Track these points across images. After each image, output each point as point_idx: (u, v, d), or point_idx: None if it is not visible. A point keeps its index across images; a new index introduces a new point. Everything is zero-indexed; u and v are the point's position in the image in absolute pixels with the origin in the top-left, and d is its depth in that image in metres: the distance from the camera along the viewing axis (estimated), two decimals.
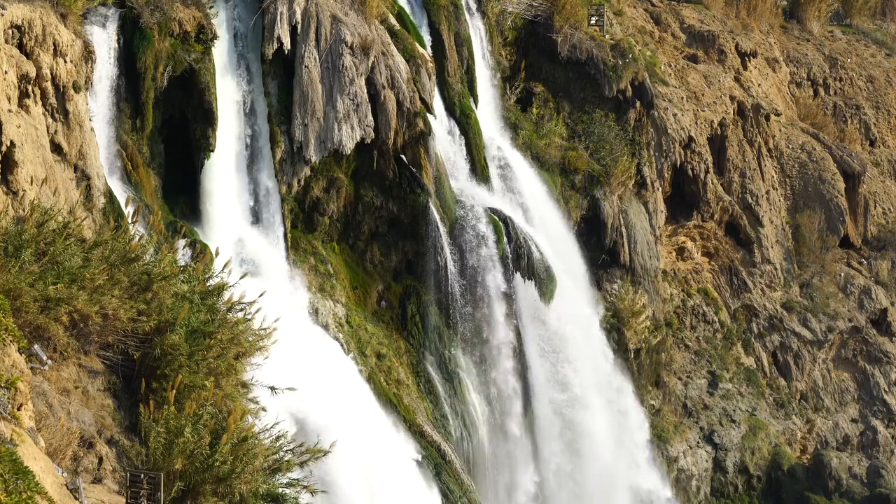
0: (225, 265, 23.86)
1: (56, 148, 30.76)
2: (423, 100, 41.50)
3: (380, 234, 42.06)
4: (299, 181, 39.40)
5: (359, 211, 41.45)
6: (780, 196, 59.70)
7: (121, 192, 33.46)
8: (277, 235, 38.84)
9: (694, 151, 54.53)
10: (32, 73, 29.66)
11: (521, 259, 43.28)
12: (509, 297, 43.05)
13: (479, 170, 44.99)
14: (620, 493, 47.38)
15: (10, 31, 29.38)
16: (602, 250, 49.35)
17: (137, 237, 22.83)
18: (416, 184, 41.24)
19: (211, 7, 37.64)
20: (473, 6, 48.44)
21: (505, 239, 42.95)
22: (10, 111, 27.93)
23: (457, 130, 44.86)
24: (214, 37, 37.24)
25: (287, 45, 38.73)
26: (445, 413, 41.36)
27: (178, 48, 36.14)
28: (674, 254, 55.62)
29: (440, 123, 43.51)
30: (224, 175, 37.74)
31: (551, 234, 46.23)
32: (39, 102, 30.23)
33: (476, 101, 46.22)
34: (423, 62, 42.08)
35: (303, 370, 33.11)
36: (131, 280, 21.41)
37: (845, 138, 64.44)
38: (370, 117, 39.76)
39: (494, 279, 42.63)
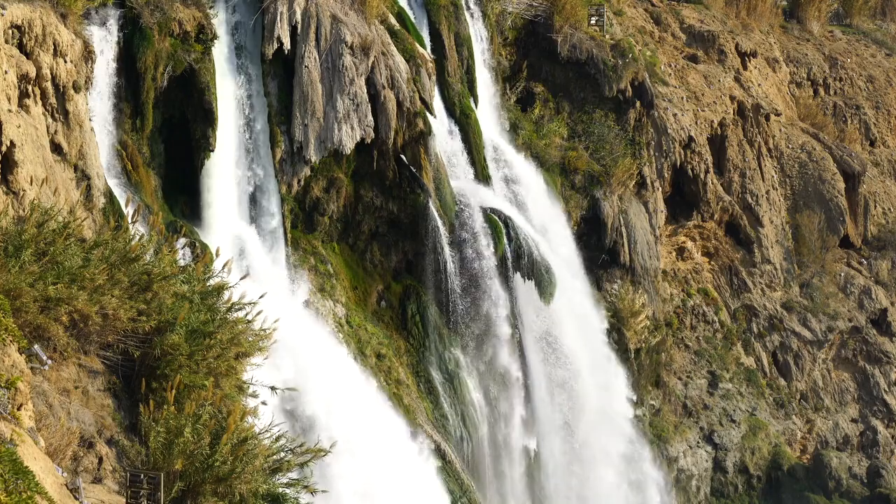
0: (225, 265, 23.85)
1: (56, 148, 30.75)
2: (423, 100, 41.49)
3: (380, 234, 42.06)
4: (299, 181, 39.39)
5: (359, 211, 41.45)
6: (780, 196, 59.71)
7: (121, 192, 33.44)
8: (277, 235, 38.83)
9: (694, 151, 54.55)
10: (32, 73, 29.65)
11: (521, 259, 43.29)
12: (509, 297, 43.04)
13: (479, 170, 44.99)
14: (619, 491, 47.36)
15: (10, 31, 29.37)
16: (602, 250, 49.38)
17: (137, 237, 22.80)
18: (416, 184, 41.24)
19: (211, 7, 37.63)
20: (473, 6, 48.45)
21: (505, 239, 42.95)
22: (10, 111, 27.93)
23: (457, 130, 44.86)
24: (214, 37, 37.23)
25: (287, 45, 38.73)
26: (445, 413, 41.35)
27: (178, 48, 36.13)
28: (674, 254, 55.63)
29: (440, 123, 43.50)
30: (224, 175, 37.74)
31: (551, 234, 46.25)
32: (39, 102, 30.22)
33: (476, 101, 46.22)
34: (423, 62, 42.08)
35: (302, 369, 33.14)
36: (131, 280, 21.38)
37: (845, 138, 64.47)
38: (370, 117, 39.76)
39: (494, 279, 42.63)
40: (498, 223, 43.05)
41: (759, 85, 61.40)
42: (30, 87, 29.75)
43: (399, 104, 40.47)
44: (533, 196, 46.82)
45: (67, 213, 22.37)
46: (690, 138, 54.26)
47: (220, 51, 38.00)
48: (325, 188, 40.50)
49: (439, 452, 39.43)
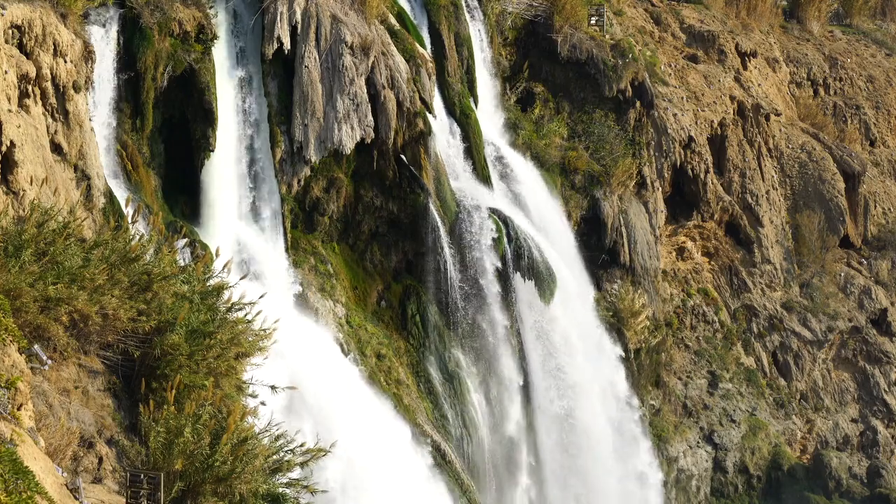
0: (225, 265, 23.84)
1: (56, 148, 30.76)
2: (423, 100, 41.50)
3: (380, 234, 42.06)
4: (299, 181, 39.40)
5: (359, 211, 41.45)
6: (780, 196, 59.71)
7: (121, 192, 33.45)
8: (277, 235, 38.84)
9: (694, 151, 54.54)
10: (32, 73, 29.66)
11: (521, 259, 43.28)
12: (509, 298, 43.04)
13: (479, 170, 44.99)
14: (618, 491, 47.33)
15: (10, 31, 29.37)
16: (602, 250, 49.36)
17: (137, 237, 22.79)
18: (416, 184, 41.24)
19: (211, 7, 37.64)
20: (473, 6, 48.44)
21: (505, 239, 42.95)
22: (10, 111, 27.93)
23: (457, 130, 44.85)
24: (214, 37, 37.24)
25: (287, 45, 38.73)
26: (445, 413, 41.35)
27: (178, 48, 36.14)
28: (674, 254, 55.63)
29: (440, 123, 43.50)
30: (224, 175, 37.75)
31: (551, 234, 46.23)
32: (39, 102, 30.22)
33: (476, 101, 46.22)
34: (423, 62, 42.08)
35: (302, 369, 33.13)
36: (131, 280, 21.37)
37: (845, 138, 64.47)
38: (370, 117, 39.76)
39: (494, 279, 42.62)
40: (498, 223, 43.04)
41: (759, 85, 61.39)
42: (30, 87, 29.76)
43: (399, 104, 40.48)
44: (533, 196, 46.82)
45: (67, 213, 22.35)
46: (690, 138, 54.26)
47: (220, 51, 38.01)
48: (325, 188, 40.51)
49: (439, 452, 39.43)
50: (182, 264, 24.51)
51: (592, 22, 52.93)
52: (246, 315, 22.71)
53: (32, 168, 28.01)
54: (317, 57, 39.28)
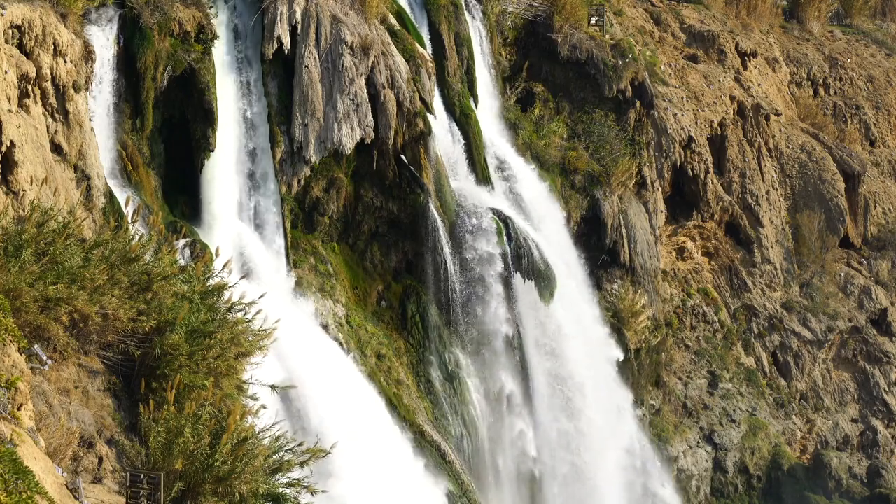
0: (225, 265, 23.83)
1: (56, 148, 30.77)
2: (423, 100, 41.49)
3: (380, 234, 42.06)
4: (299, 181, 39.40)
5: (359, 211, 41.45)
6: (780, 196, 59.71)
7: (121, 192, 33.45)
8: (277, 235, 38.83)
9: (694, 151, 54.55)
10: (32, 73, 29.66)
11: (521, 259, 43.28)
12: (509, 298, 43.03)
13: (479, 170, 44.99)
14: (618, 492, 47.35)
15: (10, 31, 29.38)
16: (602, 250, 49.36)
17: (137, 237, 22.78)
18: (416, 184, 41.24)
19: (211, 7, 37.64)
20: (473, 6, 48.45)
21: (505, 239, 42.95)
22: (10, 111, 27.94)
23: (457, 130, 44.86)
24: (214, 37, 37.25)
25: (287, 45, 38.74)
26: (445, 413, 41.35)
27: (178, 48, 36.15)
28: (674, 254, 55.63)
29: (440, 123, 43.50)
30: (224, 175, 37.75)
31: (551, 234, 46.23)
32: (39, 102, 30.23)
33: (476, 101, 46.22)
34: (423, 62, 42.08)
35: (302, 369, 33.14)
36: (131, 280, 21.36)
37: (845, 138, 64.48)
38: (370, 117, 39.76)
39: (494, 279, 42.61)
40: (498, 223, 43.05)
41: (759, 85, 61.40)
42: (30, 87, 29.76)
43: (399, 104, 40.48)
44: (533, 196, 46.82)
45: (67, 213, 22.33)
46: (690, 138, 54.27)
47: (220, 51, 38.01)
48: (325, 188, 40.51)
49: (439, 452, 39.43)
50: (182, 264, 24.50)
51: (592, 22, 52.94)
52: (246, 315, 22.70)
53: (32, 168, 28.02)
54: (317, 57, 39.28)
